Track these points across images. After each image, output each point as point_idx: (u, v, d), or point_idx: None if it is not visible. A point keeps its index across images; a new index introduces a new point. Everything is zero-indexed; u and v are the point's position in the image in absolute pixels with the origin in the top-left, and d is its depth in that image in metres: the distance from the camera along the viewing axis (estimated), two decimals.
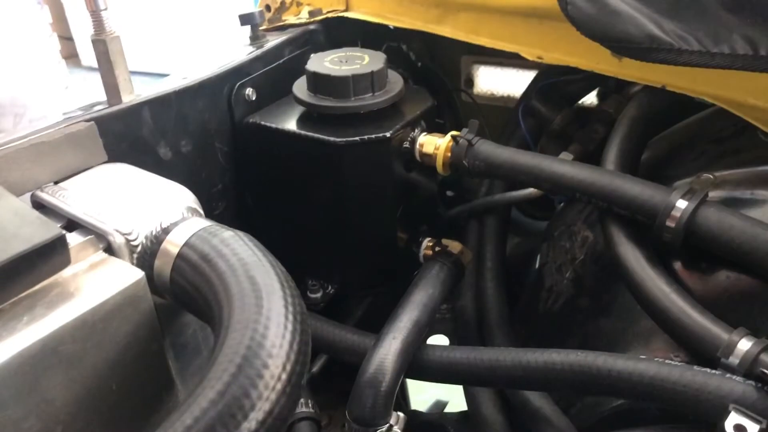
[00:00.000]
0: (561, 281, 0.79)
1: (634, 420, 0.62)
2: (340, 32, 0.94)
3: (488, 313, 0.84)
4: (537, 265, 0.86)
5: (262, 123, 0.78)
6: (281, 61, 0.87)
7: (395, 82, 0.79)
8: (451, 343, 1.00)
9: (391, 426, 0.64)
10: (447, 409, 1.09)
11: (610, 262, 0.66)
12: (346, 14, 0.91)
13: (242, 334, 0.44)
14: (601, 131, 0.86)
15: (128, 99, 0.71)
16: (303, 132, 0.75)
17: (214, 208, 0.83)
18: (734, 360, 0.52)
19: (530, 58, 0.76)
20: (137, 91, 0.72)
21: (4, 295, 0.46)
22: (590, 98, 0.96)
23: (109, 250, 0.55)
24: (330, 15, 0.92)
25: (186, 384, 0.59)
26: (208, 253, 0.52)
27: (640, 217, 0.62)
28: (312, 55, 0.80)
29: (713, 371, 0.52)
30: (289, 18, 0.94)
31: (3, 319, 0.46)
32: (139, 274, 0.52)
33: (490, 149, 0.71)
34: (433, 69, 1.01)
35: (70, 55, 4.29)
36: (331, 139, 0.73)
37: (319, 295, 0.89)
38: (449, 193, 1.01)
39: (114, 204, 0.58)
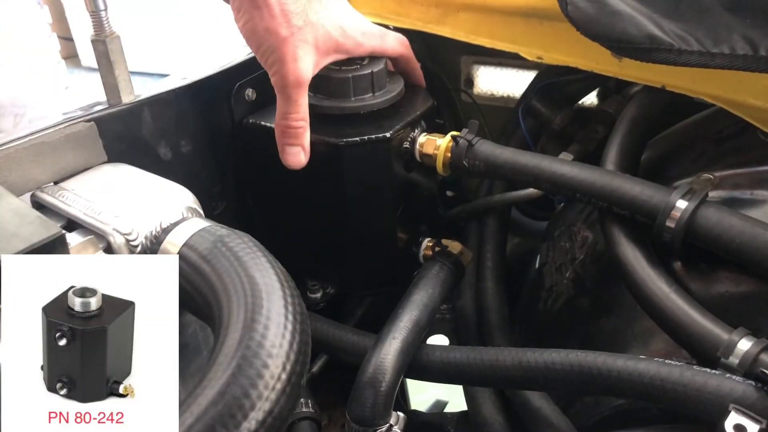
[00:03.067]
0: (561, 281, 0.79)
1: (634, 420, 0.62)
2: None
3: (488, 313, 0.84)
4: (537, 265, 0.86)
5: (262, 123, 0.78)
6: None
7: (395, 82, 0.79)
8: (451, 343, 1.00)
9: (390, 426, 0.64)
10: (447, 409, 1.09)
11: (610, 262, 0.66)
12: None
13: (242, 334, 0.44)
14: (601, 131, 0.86)
15: (128, 99, 0.71)
16: None
17: (214, 208, 0.83)
18: (734, 360, 0.52)
19: (530, 58, 0.76)
20: (137, 91, 0.72)
21: None
22: (590, 98, 0.96)
23: (109, 250, 0.55)
24: None
25: (186, 384, 0.59)
26: (208, 253, 0.52)
27: (640, 217, 0.62)
28: None
29: (713, 371, 0.52)
30: None
31: None
32: None
33: (490, 149, 0.71)
34: (433, 69, 1.01)
35: (70, 55, 4.28)
36: (331, 139, 0.73)
37: (319, 295, 0.89)
38: (449, 193, 1.01)
39: (114, 204, 0.58)
